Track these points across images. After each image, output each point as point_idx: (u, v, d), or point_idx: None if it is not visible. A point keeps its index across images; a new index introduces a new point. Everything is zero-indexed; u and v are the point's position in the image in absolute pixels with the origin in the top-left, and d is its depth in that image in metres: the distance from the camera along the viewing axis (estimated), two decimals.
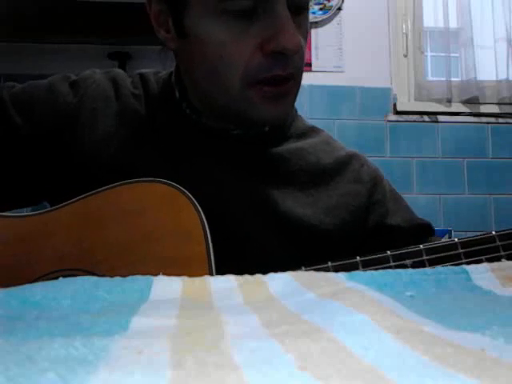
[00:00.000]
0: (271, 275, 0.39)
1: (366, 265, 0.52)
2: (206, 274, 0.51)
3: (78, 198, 0.60)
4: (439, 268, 0.41)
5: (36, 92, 0.69)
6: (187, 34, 0.61)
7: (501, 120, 2.25)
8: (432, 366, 0.20)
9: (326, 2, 2.22)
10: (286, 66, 0.59)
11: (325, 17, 2.22)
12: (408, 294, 0.35)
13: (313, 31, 2.21)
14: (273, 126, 0.68)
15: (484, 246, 0.52)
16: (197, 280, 0.39)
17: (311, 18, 2.20)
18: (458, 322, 0.27)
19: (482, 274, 0.39)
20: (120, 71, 0.74)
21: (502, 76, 2.25)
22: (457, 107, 2.24)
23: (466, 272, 0.40)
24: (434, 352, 0.21)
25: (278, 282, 0.38)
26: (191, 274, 0.39)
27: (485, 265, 0.41)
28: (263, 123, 0.66)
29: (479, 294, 0.36)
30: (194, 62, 0.62)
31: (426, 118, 2.23)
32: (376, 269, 0.51)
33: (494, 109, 2.25)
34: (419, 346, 0.22)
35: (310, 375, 0.19)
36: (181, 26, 0.61)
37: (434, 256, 0.52)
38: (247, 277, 0.39)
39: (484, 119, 2.25)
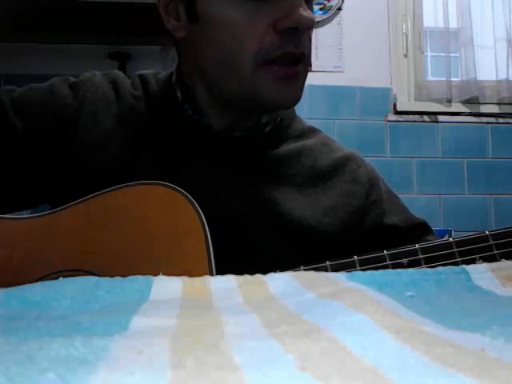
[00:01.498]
0: (271, 275, 0.39)
1: (364, 264, 0.53)
2: (205, 274, 0.51)
3: (78, 200, 0.60)
4: (439, 268, 0.41)
5: (36, 95, 0.69)
6: (199, 17, 0.61)
7: (501, 120, 2.25)
8: (432, 366, 0.20)
9: (326, 2, 2.22)
10: (299, 44, 0.60)
11: (325, 17, 2.22)
12: (408, 293, 0.35)
13: (313, 31, 2.21)
14: (282, 108, 0.68)
15: (478, 245, 0.54)
16: (197, 280, 0.39)
17: None
18: (458, 322, 0.26)
19: (482, 274, 0.39)
20: (119, 73, 0.74)
21: (502, 76, 2.25)
22: (457, 107, 2.24)
23: (466, 272, 0.40)
24: (434, 352, 0.21)
25: (277, 282, 0.38)
26: (191, 275, 0.39)
27: (485, 265, 0.41)
28: (273, 106, 0.65)
29: (479, 294, 0.36)
30: (205, 46, 0.63)
31: (426, 117, 2.23)
32: (373, 267, 0.52)
33: (494, 109, 2.25)
34: (419, 345, 0.22)
35: (310, 375, 0.19)
36: (192, 10, 0.62)
37: (429, 255, 0.54)
38: (247, 277, 0.39)
39: (484, 119, 2.25)
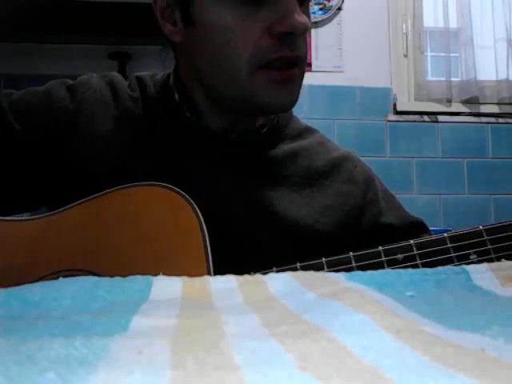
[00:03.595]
0: (271, 275, 0.39)
1: (359, 260, 0.54)
2: (204, 274, 0.51)
3: (78, 201, 0.60)
4: (439, 268, 0.41)
5: (34, 98, 0.69)
6: (194, 22, 0.62)
7: (501, 120, 2.25)
8: (432, 366, 0.20)
9: (326, 2, 2.22)
10: (294, 47, 0.60)
11: (325, 17, 2.22)
12: (408, 293, 0.35)
13: (313, 31, 2.21)
14: (279, 112, 0.68)
15: (472, 241, 0.54)
16: (197, 280, 0.39)
17: (311, 18, 2.20)
18: (458, 322, 0.26)
19: (482, 274, 0.39)
20: (117, 74, 0.74)
21: (502, 76, 2.25)
22: (457, 107, 2.24)
23: (466, 272, 0.40)
24: (434, 352, 0.21)
25: (277, 282, 0.38)
26: (190, 275, 0.39)
27: (485, 265, 0.41)
28: (270, 109, 0.65)
29: (479, 294, 0.36)
30: (201, 50, 0.63)
31: (426, 117, 2.23)
32: (368, 263, 0.53)
33: (494, 109, 2.25)
34: (419, 345, 0.22)
35: (310, 375, 0.19)
36: (188, 15, 0.62)
37: (424, 250, 0.54)
38: (247, 277, 0.39)
39: (484, 119, 2.25)
